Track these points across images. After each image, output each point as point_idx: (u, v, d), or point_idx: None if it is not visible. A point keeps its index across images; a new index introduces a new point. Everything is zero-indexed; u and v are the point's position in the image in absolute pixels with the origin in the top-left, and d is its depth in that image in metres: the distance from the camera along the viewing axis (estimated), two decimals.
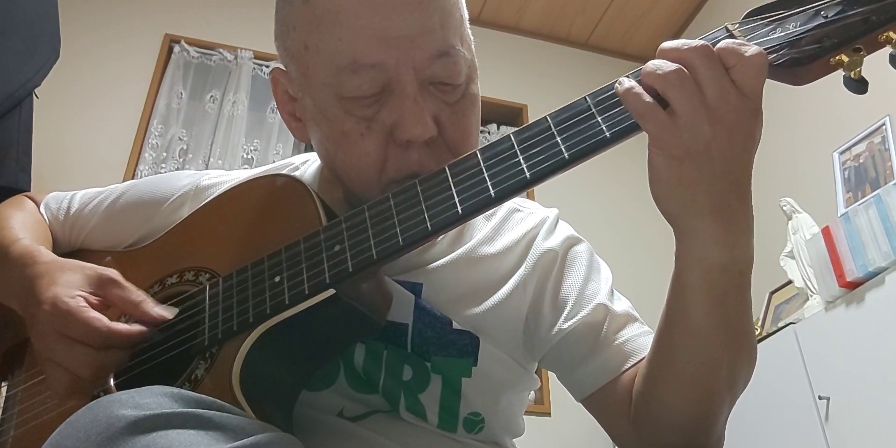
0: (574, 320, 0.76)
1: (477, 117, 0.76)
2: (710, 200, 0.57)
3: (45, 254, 0.76)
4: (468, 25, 0.76)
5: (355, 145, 0.70)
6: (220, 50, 3.20)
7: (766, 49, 0.58)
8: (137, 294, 0.69)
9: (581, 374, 0.77)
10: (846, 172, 2.54)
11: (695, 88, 0.55)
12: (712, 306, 0.62)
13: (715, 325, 0.63)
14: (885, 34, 0.56)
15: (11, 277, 0.75)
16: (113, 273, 0.71)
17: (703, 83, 0.55)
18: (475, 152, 0.63)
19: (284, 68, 0.77)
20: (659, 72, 0.56)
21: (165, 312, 0.69)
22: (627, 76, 0.59)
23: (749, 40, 0.59)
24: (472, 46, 0.76)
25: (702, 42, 0.57)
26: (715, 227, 0.58)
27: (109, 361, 0.65)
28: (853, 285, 2.00)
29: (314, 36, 0.70)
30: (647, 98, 0.56)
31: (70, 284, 0.69)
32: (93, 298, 0.68)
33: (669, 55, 0.57)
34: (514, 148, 0.61)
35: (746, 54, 0.55)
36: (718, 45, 0.57)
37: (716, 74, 0.55)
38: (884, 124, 2.45)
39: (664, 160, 0.57)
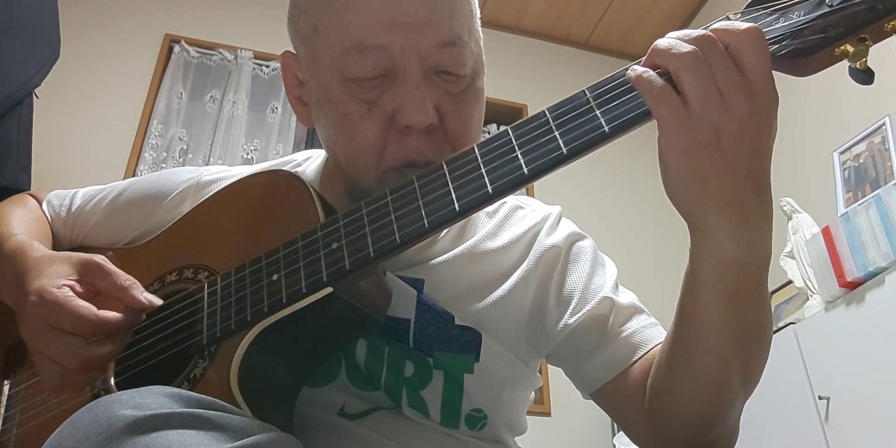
0: (580, 315, 0.77)
1: (480, 112, 0.76)
2: (723, 194, 0.55)
3: (37, 248, 0.76)
4: (479, 22, 0.77)
5: (356, 127, 0.70)
6: (220, 50, 3.20)
7: (769, 39, 0.57)
8: (125, 279, 0.68)
9: (589, 368, 0.77)
10: (846, 172, 2.54)
11: (709, 73, 0.53)
12: (727, 304, 0.60)
13: (729, 323, 0.61)
14: (892, 23, 0.55)
15: (4, 273, 0.75)
16: (99, 258, 0.70)
17: (714, 68, 0.53)
18: (472, 147, 0.62)
19: (294, 52, 0.78)
20: (674, 51, 0.54)
21: (153, 298, 0.68)
22: (636, 64, 0.58)
23: None
24: (481, 43, 0.77)
25: (703, 31, 0.55)
26: (730, 222, 0.56)
27: (100, 353, 0.64)
28: (853, 285, 2.00)
29: (323, 18, 0.71)
30: (662, 81, 0.54)
31: (56, 275, 0.68)
32: (79, 287, 0.68)
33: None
34: (511, 143, 0.61)
35: (740, 28, 0.54)
36: (711, 27, 0.55)
37: (721, 60, 0.53)
38: (884, 124, 2.45)
39: (674, 153, 0.55)
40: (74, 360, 0.64)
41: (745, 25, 0.54)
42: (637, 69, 0.56)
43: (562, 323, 0.77)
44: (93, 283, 0.69)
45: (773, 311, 2.63)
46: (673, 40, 0.55)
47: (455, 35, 0.71)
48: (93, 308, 0.64)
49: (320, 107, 0.74)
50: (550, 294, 0.79)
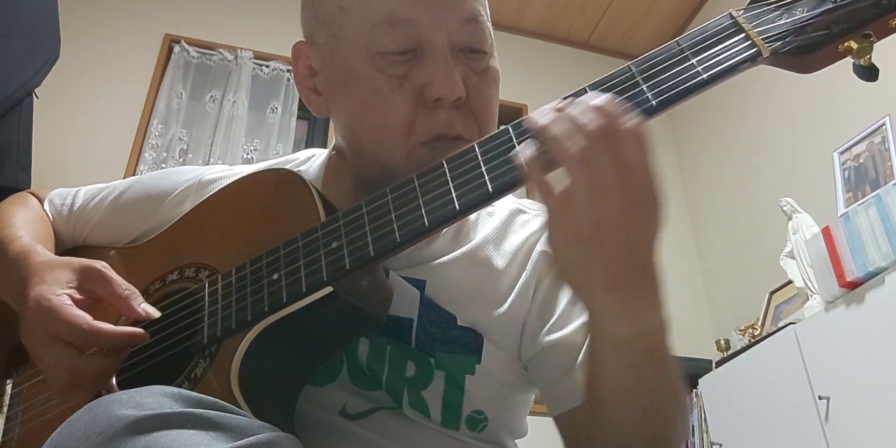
0: (555, 336, 0.75)
1: (498, 93, 0.77)
2: (604, 281, 0.56)
3: (41, 252, 0.75)
4: (488, 12, 0.79)
5: (386, 102, 0.71)
6: (220, 50, 3.20)
7: (772, 36, 0.57)
8: (124, 288, 0.68)
9: (552, 392, 0.75)
10: (846, 172, 2.54)
11: (592, 171, 0.53)
12: (625, 375, 0.62)
13: (629, 392, 0.63)
14: None
15: (9, 276, 0.75)
16: (100, 265, 0.69)
17: (599, 165, 0.53)
18: (473, 146, 0.62)
19: (307, 41, 0.79)
20: (562, 145, 0.54)
21: (151, 310, 0.67)
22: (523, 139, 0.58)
23: (754, 27, 0.58)
24: (492, 30, 0.78)
25: (597, 123, 0.54)
26: (614, 304, 0.57)
27: (87, 368, 0.63)
28: (853, 285, 2.00)
29: None
30: (548, 177, 0.55)
31: (56, 282, 0.68)
32: (78, 295, 0.67)
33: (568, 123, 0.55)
34: (512, 140, 0.60)
35: (624, 126, 0.54)
36: (598, 107, 0.54)
37: (606, 157, 0.53)
38: (884, 124, 2.45)
39: (556, 242, 0.56)
40: (61, 372, 0.63)
41: (630, 121, 0.54)
42: (526, 153, 0.56)
43: (539, 337, 0.76)
44: (93, 291, 0.68)
45: (773, 311, 2.63)
46: (562, 127, 0.54)
47: (476, 11, 0.74)
48: (87, 317, 0.64)
49: (343, 87, 0.75)
50: (536, 303, 0.78)
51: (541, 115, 0.57)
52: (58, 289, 0.67)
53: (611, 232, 0.54)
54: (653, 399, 0.63)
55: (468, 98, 0.72)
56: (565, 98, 0.60)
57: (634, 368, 0.61)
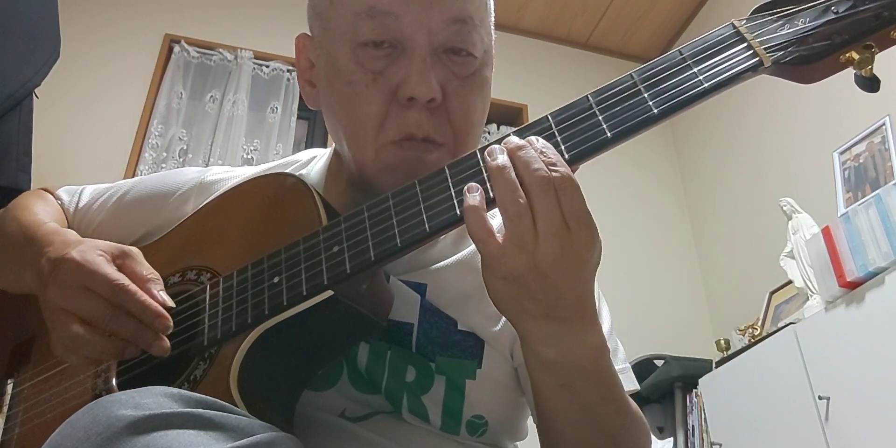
0: None
1: (484, 101, 0.76)
2: (535, 311, 0.58)
3: (73, 233, 0.78)
4: (492, 18, 0.78)
5: (359, 95, 0.71)
6: (220, 50, 3.20)
7: (774, 46, 0.57)
8: (150, 272, 0.69)
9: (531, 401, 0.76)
10: (846, 172, 2.53)
11: (532, 225, 0.55)
12: (559, 392, 0.64)
13: (567, 409, 0.65)
14: None
15: (36, 251, 0.75)
16: (135, 250, 0.71)
17: (536, 216, 0.55)
18: (474, 152, 0.62)
19: (310, 33, 0.80)
20: (508, 197, 0.55)
21: (167, 299, 0.68)
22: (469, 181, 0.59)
23: (756, 37, 0.59)
24: (493, 39, 0.78)
25: (542, 175, 0.55)
26: (542, 331, 0.59)
27: (121, 321, 0.64)
28: (853, 285, 2.00)
29: None
30: (489, 224, 0.56)
31: (95, 247, 0.70)
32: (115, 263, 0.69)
33: (520, 170, 0.56)
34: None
35: (562, 178, 0.55)
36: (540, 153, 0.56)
37: (546, 208, 0.55)
38: (884, 124, 2.45)
39: (490, 279, 0.58)
40: (96, 315, 0.64)
41: (566, 170, 0.55)
42: (469, 201, 0.57)
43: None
44: (122, 268, 0.69)
45: (773, 311, 2.63)
46: (510, 179, 0.56)
47: (466, 14, 0.72)
48: (125, 277, 0.66)
49: (327, 79, 0.75)
50: None
51: (499, 151, 0.58)
52: (98, 251, 0.69)
53: (544, 273, 0.55)
54: (593, 417, 0.66)
55: (446, 101, 0.71)
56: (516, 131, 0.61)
57: (566, 387, 0.63)
